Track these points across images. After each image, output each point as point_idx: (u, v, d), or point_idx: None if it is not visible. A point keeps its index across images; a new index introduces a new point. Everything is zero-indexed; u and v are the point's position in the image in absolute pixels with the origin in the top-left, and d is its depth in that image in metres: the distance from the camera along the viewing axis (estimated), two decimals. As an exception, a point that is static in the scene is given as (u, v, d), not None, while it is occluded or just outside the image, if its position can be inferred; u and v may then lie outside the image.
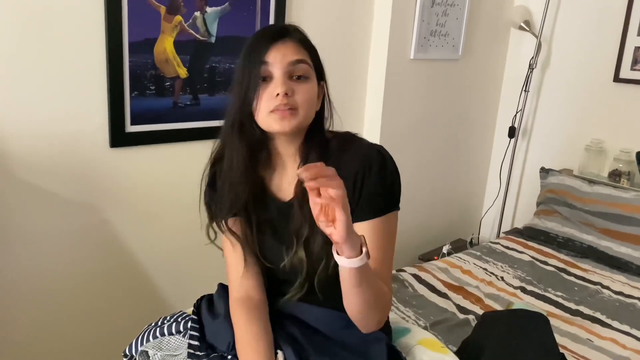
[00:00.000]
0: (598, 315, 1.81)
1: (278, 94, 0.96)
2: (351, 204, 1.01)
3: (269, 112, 0.98)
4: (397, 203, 1.07)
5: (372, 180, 1.02)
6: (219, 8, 1.79)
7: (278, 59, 0.97)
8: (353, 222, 1.01)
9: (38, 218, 1.60)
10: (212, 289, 1.25)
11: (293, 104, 0.97)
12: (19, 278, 1.60)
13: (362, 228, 1.03)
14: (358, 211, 1.03)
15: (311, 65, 1.01)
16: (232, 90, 1.03)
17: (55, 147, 1.58)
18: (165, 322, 1.22)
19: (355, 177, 1.02)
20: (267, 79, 0.98)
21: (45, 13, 1.47)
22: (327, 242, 1.00)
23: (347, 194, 0.97)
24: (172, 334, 1.17)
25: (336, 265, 1.00)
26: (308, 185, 0.79)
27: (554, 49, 2.68)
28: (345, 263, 0.87)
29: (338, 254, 0.88)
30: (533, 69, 2.65)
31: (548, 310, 1.80)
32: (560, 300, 1.91)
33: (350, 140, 1.09)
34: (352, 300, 0.96)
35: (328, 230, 0.83)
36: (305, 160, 1.06)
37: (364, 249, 0.87)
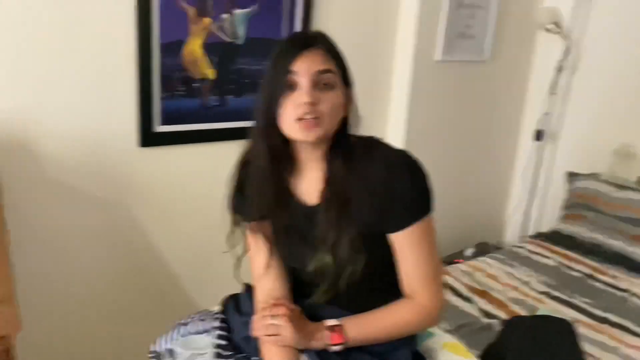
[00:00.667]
0: (626, 323, 1.78)
1: (303, 103, 0.97)
2: (383, 211, 1.02)
3: (294, 120, 0.98)
4: (430, 207, 1.06)
5: (404, 186, 1.01)
6: (247, 10, 1.80)
7: (304, 68, 0.97)
8: (390, 233, 1.05)
9: (69, 216, 1.64)
10: (238, 289, 1.26)
11: (318, 114, 0.97)
12: (50, 274, 1.65)
13: (400, 237, 1.03)
14: (393, 220, 1.03)
15: (337, 73, 1.01)
16: (259, 94, 1.04)
17: (86, 147, 1.62)
18: (191, 320, 1.24)
19: (385, 182, 1.02)
20: (293, 87, 0.98)
21: (78, 16, 1.51)
22: (354, 248, 1.01)
23: (378, 200, 1.00)
24: (199, 333, 1.19)
25: (363, 270, 1.01)
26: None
27: (583, 51, 2.63)
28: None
29: None
30: (561, 71, 2.61)
31: (574, 317, 1.78)
32: (587, 307, 1.88)
33: (375, 145, 1.08)
34: None
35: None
36: (330, 165, 1.06)
37: (327, 343, 1.04)
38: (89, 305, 1.74)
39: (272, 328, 1.03)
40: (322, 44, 1.02)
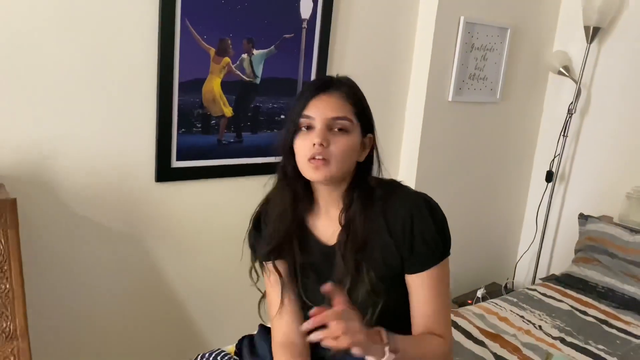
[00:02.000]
0: (643, 372, 1.74)
1: (313, 144, 0.99)
2: (402, 251, 1.03)
3: (307, 160, 1.01)
4: (448, 249, 1.07)
5: (425, 227, 1.03)
6: (265, 50, 1.85)
7: (318, 113, 1.01)
8: (409, 274, 1.05)
9: (85, 249, 1.65)
10: (251, 328, 1.26)
11: (326, 155, 1.00)
12: (63, 307, 1.64)
13: (419, 278, 1.04)
14: (412, 261, 1.04)
15: (353, 120, 1.03)
16: (281, 132, 1.08)
17: (104, 180, 1.64)
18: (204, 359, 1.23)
19: (404, 224, 1.03)
20: (310, 127, 1.02)
21: (101, 53, 1.55)
22: (373, 291, 1.01)
23: (398, 242, 0.98)
24: (212, 373, 1.18)
25: (381, 313, 1.00)
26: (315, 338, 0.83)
27: (593, 94, 2.66)
28: None
29: None
30: (572, 114, 2.63)
31: (589, 364, 1.74)
32: (602, 354, 1.84)
33: (396, 188, 1.10)
34: None
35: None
36: (348, 207, 1.07)
37: (386, 349, 0.91)
38: (102, 339, 1.73)
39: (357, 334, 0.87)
40: (342, 87, 1.04)
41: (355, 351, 0.85)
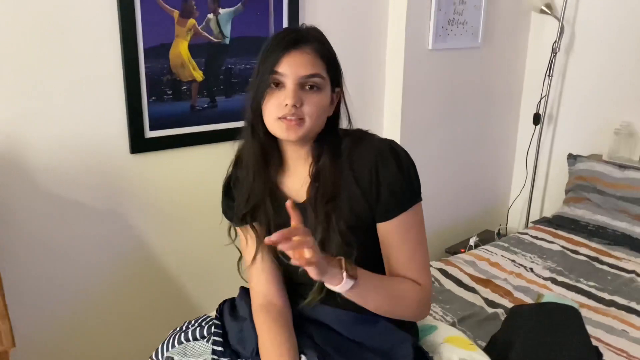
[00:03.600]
0: (633, 305, 1.75)
1: (286, 104, 0.96)
2: (370, 200, 1.01)
3: (276, 118, 0.98)
4: (419, 194, 1.05)
5: (389, 174, 1.01)
6: (231, 9, 1.78)
7: (290, 70, 0.96)
8: (378, 222, 1.02)
9: (62, 227, 1.62)
10: (237, 292, 1.25)
11: (300, 114, 0.97)
12: (43, 286, 1.63)
13: (388, 226, 1.02)
14: (380, 210, 1.02)
15: (325, 77, 1.00)
16: (248, 92, 1.04)
17: (77, 156, 1.60)
18: (189, 326, 1.22)
19: (370, 172, 1.01)
20: (279, 85, 0.98)
21: (61, 24, 1.49)
22: (345, 242, 0.99)
23: (365, 191, 0.97)
24: (197, 339, 1.17)
25: (356, 265, 0.98)
26: (282, 248, 0.81)
27: (577, 31, 2.60)
28: (335, 289, 0.91)
29: None
30: (556, 53, 2.57)
31: (580, 302, 1.75)
32: (593, 290, 1.85)
33: (362, 136, 1.08)
34: (369, 310, 0.99)
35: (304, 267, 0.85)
36: (317, 161, 1.05)
37: (344, 275, 0.89)
38: (85, 315, 1.72)
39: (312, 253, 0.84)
40: (312, 42, 0.99)
41: (312, 274, 0.85)
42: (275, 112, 0.97)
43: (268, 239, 0.80)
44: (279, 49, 0.97)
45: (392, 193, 1.01)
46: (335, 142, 1.05)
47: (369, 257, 1.04)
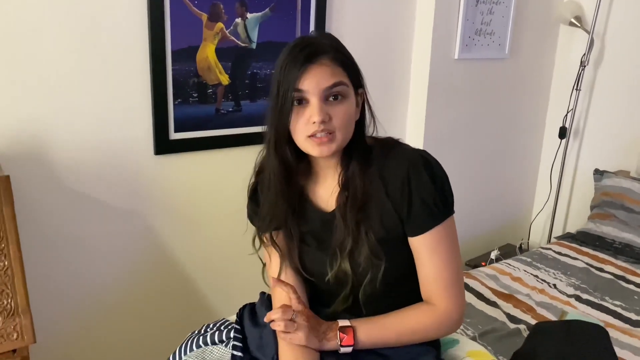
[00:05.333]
0: (661, 326, 1.70)
1: (314, 122, 0.94)
2: (400, 212, 0.98)
3: (306, 137, 0.96)
4: (450, 208, 1.02)
5: (422, 187, 0.97)
6: (259, 14, 1.78)
7: (312, 86, 0.94)
8: (410, 236, 1.01)
9: (85, 225, 1.63)
10: (256, 296, 1.24)
11: (330, 128, 0.95)
12: (66, 284, 1.64)
13: (421, 240, 1.00)
14: (411, 223, 0.99)
15: (347, 83, 0.97)
16: (269, 105, 1.00)
17: (102, 156, 1.61)
18: (208, 330, 1.21)
19: (403, 183, 0.98)
20: (302, 102, 0.96)
21: (91, 25, 1.50)
22: (373, 254, 0.97)
23: (396, 203, 0.98)
24: (215, 344, 1.16)
25: (382, 278, 0.97)
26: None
27: (607, 45, 2.55)
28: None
29: None
30: (585, 66, 2.53)
31: (605, 321, 1.70)
32: (618, 310, 1.80)
33: (393, 145, 1.05)
34: None
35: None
36: (346, 169, 1.03)
37: (338, 343, 1.00)
38: (105, 314, 1.73)
39: (290, 325, 0.98)
40: (329, 52, 0.96)
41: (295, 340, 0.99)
42: (304, 130, 0.95)
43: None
44: (296, 66, 0.94)
45: (425, 207, 0.98)
46: (365, 149, 1.03)
47: (398, 270, 1.02)
